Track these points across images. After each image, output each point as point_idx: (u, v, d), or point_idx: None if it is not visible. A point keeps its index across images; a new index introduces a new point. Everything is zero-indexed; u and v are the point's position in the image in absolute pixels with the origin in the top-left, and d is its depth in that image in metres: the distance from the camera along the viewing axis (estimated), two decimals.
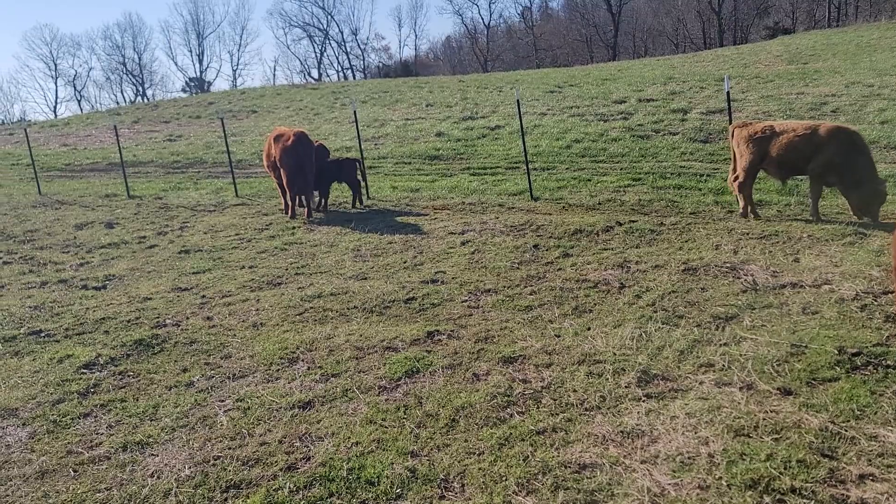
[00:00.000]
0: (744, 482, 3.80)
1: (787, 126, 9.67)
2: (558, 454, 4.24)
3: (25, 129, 22.42)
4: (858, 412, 4.41)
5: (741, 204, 9.98)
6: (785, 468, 3.89)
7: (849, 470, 3.85)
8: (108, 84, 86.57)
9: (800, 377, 4.94)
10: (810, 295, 6.56)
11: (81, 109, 77.78)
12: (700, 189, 11.68)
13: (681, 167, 13.47)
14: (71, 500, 4.19)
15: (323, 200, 13.22)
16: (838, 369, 4.99)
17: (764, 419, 4.42)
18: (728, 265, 7.64)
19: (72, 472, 4.52)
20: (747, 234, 8.91)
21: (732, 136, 10.11)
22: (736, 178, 10.01)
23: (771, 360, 5.25)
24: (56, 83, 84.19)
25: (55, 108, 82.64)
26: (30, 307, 8.22)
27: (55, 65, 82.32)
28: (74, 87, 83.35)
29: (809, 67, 25.79)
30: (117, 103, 77.71)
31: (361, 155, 14.88)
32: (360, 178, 13.31)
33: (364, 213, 12.55)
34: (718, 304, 6.53)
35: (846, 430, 4.21)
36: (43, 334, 7.23)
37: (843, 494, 3.67)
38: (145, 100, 75.28)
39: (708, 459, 4.05)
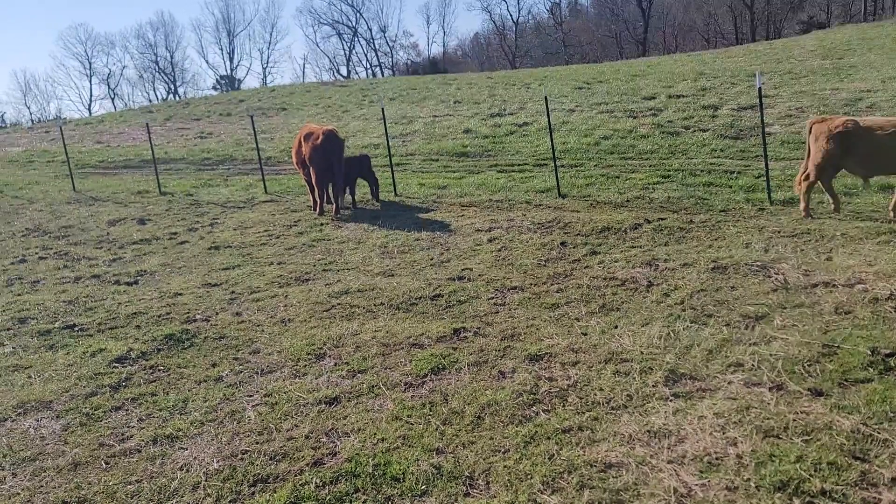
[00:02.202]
0: (773, 484, 3.75)
1: (874, 122, 9.18)
2: (584, 453, 4.22)
3: (61, 127, 22.84)
4: (892, 414, 4.32)
5: (803, 204, 9.55)
6: (815, 470, 3.83)
7: (881, 473, 3.78)
8: (140, 82, 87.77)
9: (831, 378, 4.86)
10: (843, 294, 6.44)
11: (115, 107, 79.16)
12: (730, 186, 11.52)
13: (711, 164, 13.31)
14: (102, 492, 4.27)
15: (351, 197, 13.32)
16: (871, 370, 4.90)
17: (794, 420, 4.35)
18: (758, 264, 7.53)
19: (103, 465, 4.60)
20: (778, 232, 8.78)
21: (810, 131, 9.58)
22: (806, 176, 9.54)
23: (802, 360, 5.17)
24: (90, 81, 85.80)
25: (89, 106, 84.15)
26: (64, 302, 8.39)
27: (90, 63, 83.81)
28: (108, 86, 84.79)
29: (844, 62, 25.29)
30: (150, 101, 78.93)
31: (389, 152, 14.93)
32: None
33: (391, 210, 12.59)
34: (748, 302, 6.45)
35: (879, 433, 4.13)
36: (76, 328, 7.38)
37: (874, 498, 3.61)
38: (177, 98, 76.31)
39: (736, 460, 4.00)
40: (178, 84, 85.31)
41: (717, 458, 4.05)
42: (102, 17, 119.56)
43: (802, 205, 9.57)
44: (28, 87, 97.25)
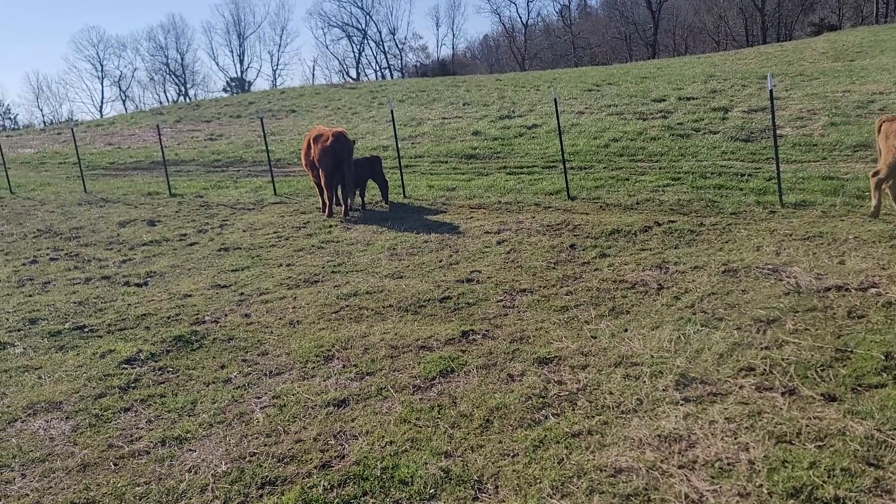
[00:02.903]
0: (785, 490, 3.71)
1: None
2: (594, 457, 4.19)
3: (72, 129, 22.99)
4: None
5: (874, 202, 9.18)
6: (828, 476, 3.78)
7: (895, 479, 3.73)
8: (151, 84, 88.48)
9: (844, 383, 4.81)
10: (856, 298, 6.38)
11: (126, 109, 79.67)
12: (741, 189, 11.45)
13: (721, 166, 13.23)
14: (111, 494, 4.27)
15: (360, 199, 13.31)
16: (885, 375, 4.84)
17: (807, 426, 4.31)
18: (770, 267, 7.47)
19: (112, 466, 4.60)
20: (790, 235, 8.71)
21: (879, 130, 9.32)
22: (875, 173, 9.21)
23: (814, 364, 5.12)
24: (102, 83, 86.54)
25: (101, 107, 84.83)
26: (74, 303, 8.42)
27: (101, 66, 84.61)
28: (119, 88, 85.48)
29: (856, 64, 25.14)
30: (160, 103, 79.40)
31: (398, 154, 14.93)
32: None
33: (400, 211, 12.58)
34: (760, 306, 6.39)
35: (893, 439, 4.08)
36: (86, 329, 7.40)
37: None
38: (187, 99, 76.67)
39: (748, 466, 3.96)
40: (188, 86, 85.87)
41: (728, 464, 4.00)
42: (114, 19, 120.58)
43: (873, 202, 9.24)
44: (41, 89, 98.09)
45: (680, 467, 4.02)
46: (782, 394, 4.75)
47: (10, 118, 79.31)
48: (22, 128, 57.49)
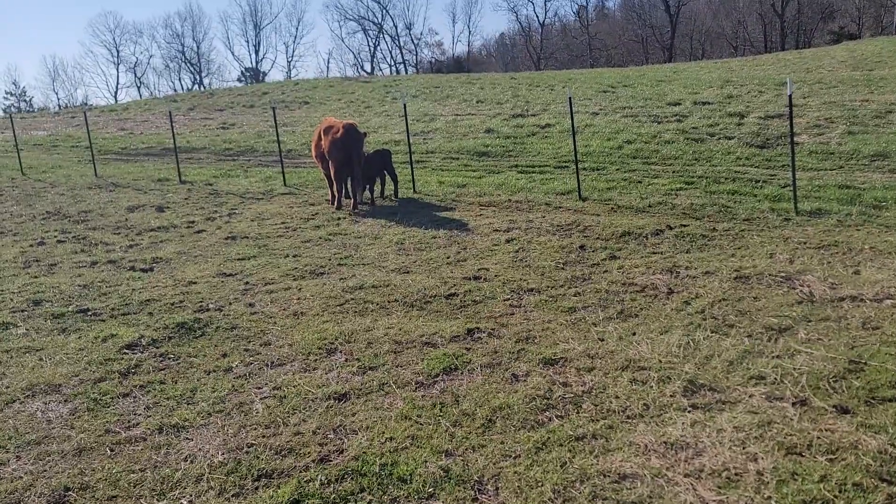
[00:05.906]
0: (795, 503, 3.60)
1: None
2: (597, 462, 4.09)
3: (85, 113, 23.04)
4: None
5: None
6: (840, 491, 3.67)
7: None
8: (166, 71, 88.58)
9: (858, 395, 4.69)
10: (871, 309, 6.25)
11: (140, 95, 79.91)
12: (755, 195, 11.31)
13: (736, 172, 13.08)
14: (105, 479, 4.21)
15: (370, 194, 13.23)
16: None
17: (818, 438, 4.20)
18: (783, 275, 7.35)
19: (108, 451, 4.54)
20: (804, 243, 8.57)
21: None
22: None
23: (827, 375, 5.00)
24: (117, 69, 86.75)
25: (115, 93, 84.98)
26: (79, 286, 8.38)
27: (117, 51, 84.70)
28: (135, 74, 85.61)
29: (875, 74, 24.86)
30: (175, 90, 79.56)
31: (410, 149, 14.84)
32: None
33: (409, 207, 12.50)
34: (771, 314, 6.27)
35: None
36: (90, 313, 7.35)
37: None
38: (202, 88, 76.79)
39: (756, 477, 3.85)
40: (203, 74, 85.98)
41: (736, 474, 3.90)
42: (131, 5, 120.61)
43: None
44: (56, 72, 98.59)
45: (686, 475, 3.92)
46: (793, 404, 4.64)
47: (25, 100, 79.68)
48: (37, 110, 57.82)
